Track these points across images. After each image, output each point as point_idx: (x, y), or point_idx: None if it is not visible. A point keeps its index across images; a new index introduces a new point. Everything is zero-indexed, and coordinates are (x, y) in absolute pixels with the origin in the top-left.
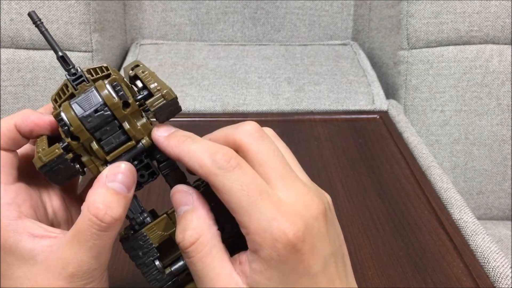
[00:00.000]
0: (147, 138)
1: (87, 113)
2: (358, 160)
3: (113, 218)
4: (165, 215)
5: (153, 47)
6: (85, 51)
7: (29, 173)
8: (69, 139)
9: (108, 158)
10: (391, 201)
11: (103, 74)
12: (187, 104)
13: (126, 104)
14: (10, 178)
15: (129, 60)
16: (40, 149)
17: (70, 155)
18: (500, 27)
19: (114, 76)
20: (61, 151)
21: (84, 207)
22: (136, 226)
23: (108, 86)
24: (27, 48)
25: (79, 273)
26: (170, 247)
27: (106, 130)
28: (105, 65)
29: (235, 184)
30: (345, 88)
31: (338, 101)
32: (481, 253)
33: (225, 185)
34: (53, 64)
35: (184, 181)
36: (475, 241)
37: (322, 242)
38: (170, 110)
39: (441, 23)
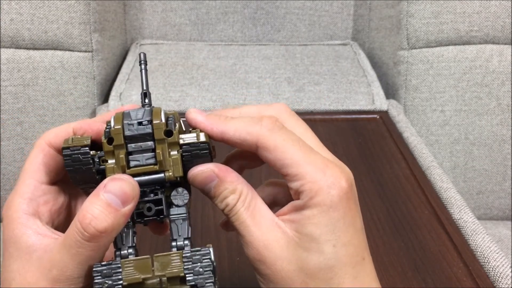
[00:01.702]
0: (172, 173)
1: (131, 121)
2: (358, 160)
3: (96, 230)
4: (148, 256)
5: (153, 47)
6: (85, 51)
7: (68, 181)
8: (105, 140)
9: (127, 171)
10: (391, 201)
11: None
12: (187, 104)
13: (169, 133)
14: (44, 177)
15: (129, 60)
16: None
17: (94, 152)
18: (500, 27)
19: (175, 113)
20: (88, 142)
21: (78, 212)
22: (117, 257)
23: (162, 112)
24: (27, 48)
25: (61, 278)
26: None
27: (139, 147)
28: (171, 116)
29: (287, 141)
30: (345, 88)
31: (338, 101)
32: (481, 253)
33: (279, 143)
34: (53, 64)
35: (188, 235)
36: (475, 241)
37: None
38: (197, 153)
39: (441, 23)
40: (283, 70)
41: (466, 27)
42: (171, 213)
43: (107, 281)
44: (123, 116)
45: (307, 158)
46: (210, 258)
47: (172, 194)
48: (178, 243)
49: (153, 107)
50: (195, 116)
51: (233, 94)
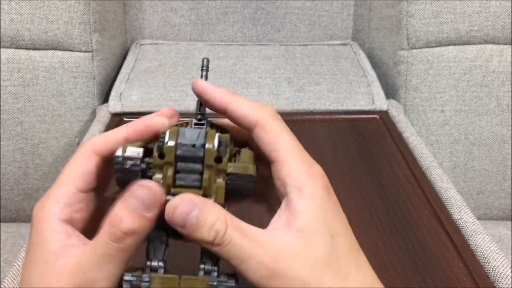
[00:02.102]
0: (213, 199)
1: (185, 142)
2: (358, 160)
3: (122, 232)
4: (177, 276)
5: (153, 47)
6: (85, 51)
7: (100, 190)
8: (156, 153)
9: (172, 189)
10: (391, 201)
11: (221, 130)
12: (187, 104)
13: (219, 159)
14: (83, 184)
15: (129, 60)
16: (130, 144)
17: (144, 166)
18: (500, 27)
19: (227, 135)
20: (141, 155)
21: (107, 216)
22: (147, 269)
23: (217, 136)
24: (27, 48)
25: (84, 282)
26: None
27: (188, 167)
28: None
29: (284, 130)
30: (345, 88)
31: (338, 101)
32: (481, 253)
33: (277, 128)
34: (53, 64)
35: (217, 261)
36: (475, 241)
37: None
38: (242, 184)
39: (441, 23)
40: (283, 70)
41: (466, 27)
42: None
43: None
44: (178, 133)
45: (297, 150)
46: None
47: None
48: (207, 267)
49: (208, 129)
50: (204, 85)
51: None
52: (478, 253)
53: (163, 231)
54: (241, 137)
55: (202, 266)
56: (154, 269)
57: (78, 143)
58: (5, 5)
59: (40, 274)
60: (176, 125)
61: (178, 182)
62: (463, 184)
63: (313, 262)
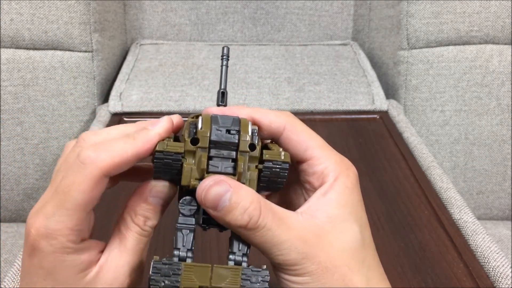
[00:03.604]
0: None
1: (220, 127)
2: (358, 160)
3: (141, 227)
4: (209, 265)
5: (153, 47)
6: (85, 51)
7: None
8: (189, 139)
9: (206, 175)
10: (391, 201)
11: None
12: (187, 104)
13: (252, 146)
14: (92, 206)
15: (129, 60)
16: (169, 141)
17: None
18: (500, 27)
19: (255, 126)
20: (182, 150)
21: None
22: (174, 258)
23: (250, 124)
24: (27, 48)
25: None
26: None
27: (221, 154)
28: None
29: (310, 130)
30: (345, 88)
31: (338, 101)
32: (481, 253)
33: (304, 129)
34: (53, 64)
35: (246, 252)
36: (475, 241)
37: None
38: (277, 172)
39: (441, 23)
40: (283, 70)
41: (466, 27)
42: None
43: (164, 281)
44: (211, 120)
45: (326, 146)
46: (268, 281)
47: None
48: (237, 257)
49: (240, 118)
50: (218, 108)
51: (233, 94)
52: (478, 253)
53: (192, 219)
54: None
55: (231, 256)
56: (182, 259)
57: None
58: (5, 5)
59: None
60: (196, 117)
61: (211, 169)
62: (463, 184)
63: (342, 247)
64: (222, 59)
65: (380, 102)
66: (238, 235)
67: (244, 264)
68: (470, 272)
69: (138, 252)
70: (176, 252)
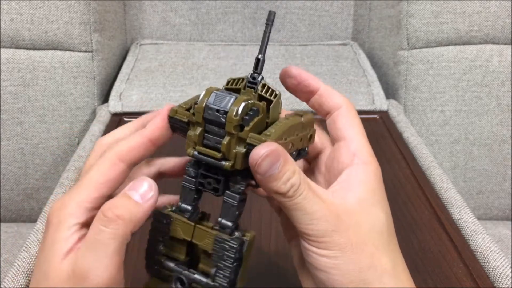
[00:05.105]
0: (230, 163)
1: (211, 106)
2: None
3: (114, 214)
4: (193, 224)
5: (153, 47)
6: (85, 51)
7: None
8: (192, 111)
9: (196, 147)
10: (391, 201)
11: (270, 97)
12: None
13: (241, 127)
14: (107, 191)
15: (129, 60)
16: (181, 106)
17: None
18: (500, 27)
19: (262, 105)
20: (187, 119)
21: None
22: (174, 207)
23: (242, 104)
24: (27, 48)
25: (78, 272)
26: (176, 245)
27: (214, 130)
28: (277, 92)
29: (359, 120)
30: (345, 88)
31: None
32: (481, 253)
33: (357, 116)
34: (53, 64)
35: (233, 219)
36: (475, 241)
37: None
38: None
39: (441, 23)
40: None
41: (466, 27)
42: (225, 195)
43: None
44: (209, 96)
45: (365, 137)
46: (235, 252)
47: (231, 180)
48: (223, 221)
49: (254, 95)
50: (300, 69)
51: None
52: (478, 253)
53: (193, 180)
54: None
55: (220, 219)
56: (183, 210)
57: (78, 143)
58: (5, 5)
59: (45, 274)
60: (231, 83)
61: (205, 142)
62: (463, 184)
63: (370, 228)
64: (266, 24)
65: (380, 102)
66: (234, 204)
67: (224, 232)
68: (470, 272)
69: (98, 246)
70: (179, 203)
